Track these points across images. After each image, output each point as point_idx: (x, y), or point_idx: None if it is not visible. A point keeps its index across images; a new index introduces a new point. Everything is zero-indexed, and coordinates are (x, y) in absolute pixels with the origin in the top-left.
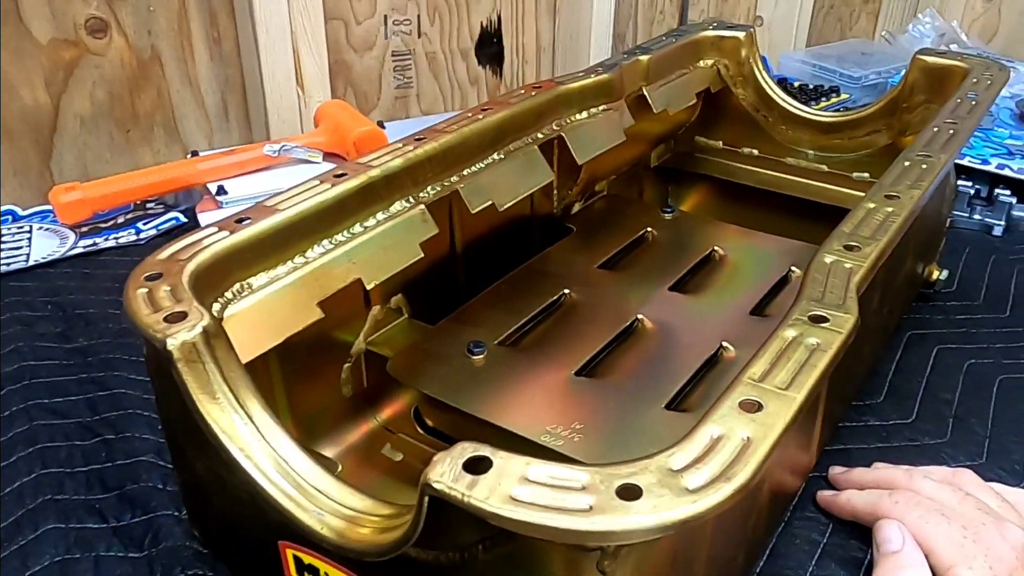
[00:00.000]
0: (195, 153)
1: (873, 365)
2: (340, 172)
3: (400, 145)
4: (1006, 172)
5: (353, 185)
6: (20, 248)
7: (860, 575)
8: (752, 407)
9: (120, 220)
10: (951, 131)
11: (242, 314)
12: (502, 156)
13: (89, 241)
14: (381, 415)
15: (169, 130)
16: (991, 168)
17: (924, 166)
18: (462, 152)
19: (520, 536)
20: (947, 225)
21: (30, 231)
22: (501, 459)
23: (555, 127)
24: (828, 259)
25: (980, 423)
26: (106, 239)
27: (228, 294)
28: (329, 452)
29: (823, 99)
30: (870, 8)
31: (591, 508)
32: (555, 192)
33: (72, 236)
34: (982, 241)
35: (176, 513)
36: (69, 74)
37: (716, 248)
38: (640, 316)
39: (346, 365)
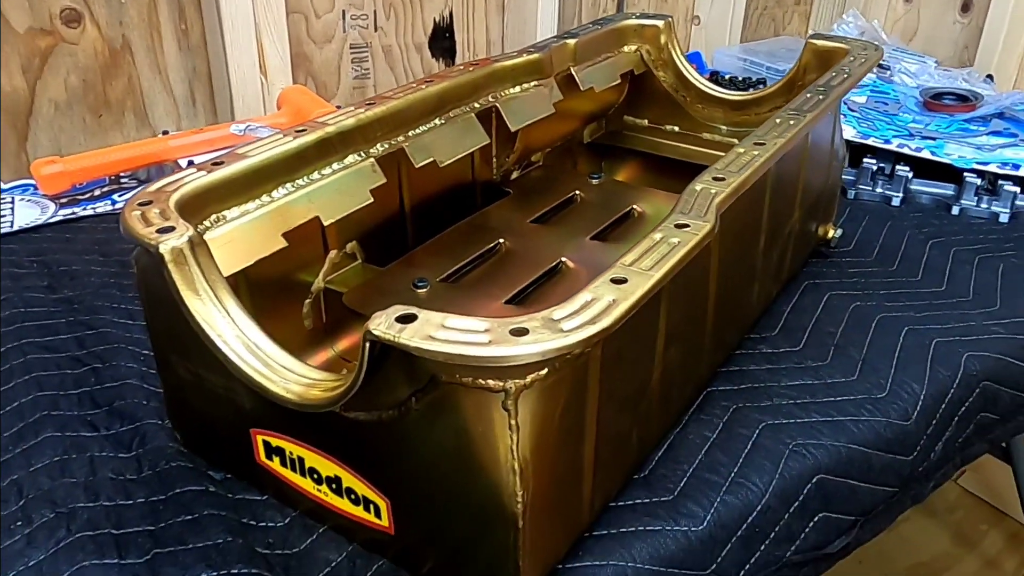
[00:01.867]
0: (166, 132)
1: (768, 305)
2: (300, 128)
3: (353, 108)
4: (905, 150)
5: (311, 139)
6: (4, 216)
7: (741, 459)
8: (620, 281)
9: (96, 193)
10: (820, 96)
11: (219, 238)
12: (443, 121)
13: (68, 211)
14: (338, 346)
15: (139, 115)
16: (893, 147)
17: (791, 121)
18: (407, 116)
19: (443, 384)
20: (839, 190)
21: (12, 202)
22: (424, 314)
23: (491, 99)
24: (698, 186)
25: (856, 350)
26: (84, 209)
27: (207, 222)
28: None
29: (751, 89)
30: (802, 9)
31: (490, 342)
32: (494, 159)
33: (52, 206)
34: (881, 210)
35: (160, 422)
36: (44, 61)
37: (635, 207)
38: (564, 259)
39: (307, 301)
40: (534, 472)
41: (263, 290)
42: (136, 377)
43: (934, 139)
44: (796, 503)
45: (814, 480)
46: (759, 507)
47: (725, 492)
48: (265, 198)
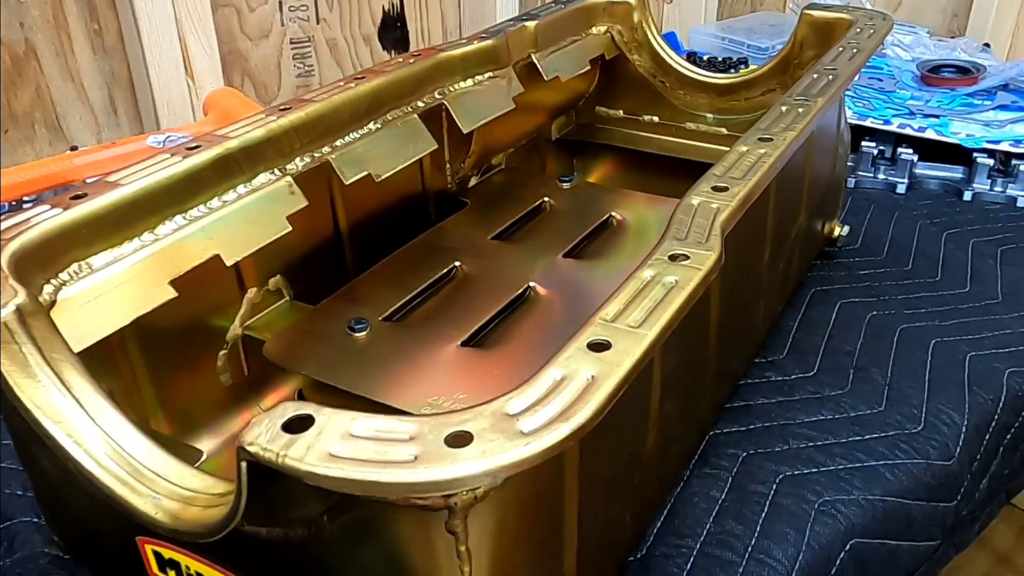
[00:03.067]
0: (74, 148)
1: (775, 322)
2: (193, 144)
3: (262, 116)
4: (907, 131)
5: (207, 157)
6: None
7: (758, 528)
8: (600, 347)
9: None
10: (830, 76)
11: (81, 296)
12: (379, 126)
13: None
14: (264, 402)
15: (52, 128)
16: (893, 128)
17: (800, 110)
18: (333, 122)
19: (362, 502)
20: (845, 183)
21: None
22: (324, 416)
23: (437, 95)
24: (695, 200)
25: (880, 372)
26: None
27: (64, 275)
28: (208, 444)
29: (732, 71)
30: None
31: (416, 458)
32: (447, 165)
33: None
34: (886, 199)
35: (36, 519)
36: None
37: (614, 214)
38: (532, 284)
39: (222, 352)
40: None
41: (162, 341)
42: (12, 458)
43: (937, 117)
44: None
45: (848, 547)
46: None
47: (742, 574)
48: (147, 236)
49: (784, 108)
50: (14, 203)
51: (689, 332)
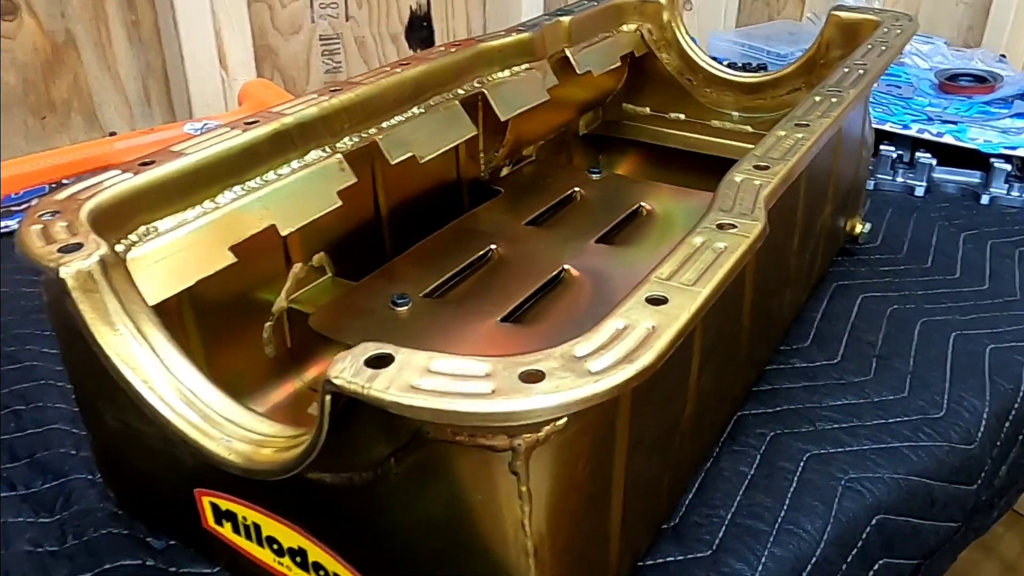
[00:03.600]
0: (113, 133)
1: (799, 312)
2: (251, 120)
3: (314, 96)
4: (926, 136)
5: (264, 132)
6: None
7: (787, 500)
8: (658, 301)
9: (34, 203)
10: (860, 71)
11: (148, 256)
12: (422, 110)
13: (1, 224)
14: (306, 375)
15: (88, 116)
16: (912, 132)
17: (834, 99)
18: (380, 104)
19: (430, 442)
20: (866, 182)
21: None
22: (404, 354)
23: (476, 84)
24: (738, 177)
25: (902, 361)
26: (18, 222)
27: (132, 236)
28: None
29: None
30: None
31: (493, 391)
32: (481, 155)
33: None
34: (905, 201)
35: (90, 477)
36: None
37: (643, 204)
38: (566, 267)
39: (267, 324)
40: (552, 551)
41: (213, 313)
42: (65, 420)
43: (955, 123)
44: (855, 550)
45: (873, 522)
46: (814, 559)
47: (773, 543)
48: (208, 204)
49: (818, 98)
50: (55, 184)
51: (725, 309)
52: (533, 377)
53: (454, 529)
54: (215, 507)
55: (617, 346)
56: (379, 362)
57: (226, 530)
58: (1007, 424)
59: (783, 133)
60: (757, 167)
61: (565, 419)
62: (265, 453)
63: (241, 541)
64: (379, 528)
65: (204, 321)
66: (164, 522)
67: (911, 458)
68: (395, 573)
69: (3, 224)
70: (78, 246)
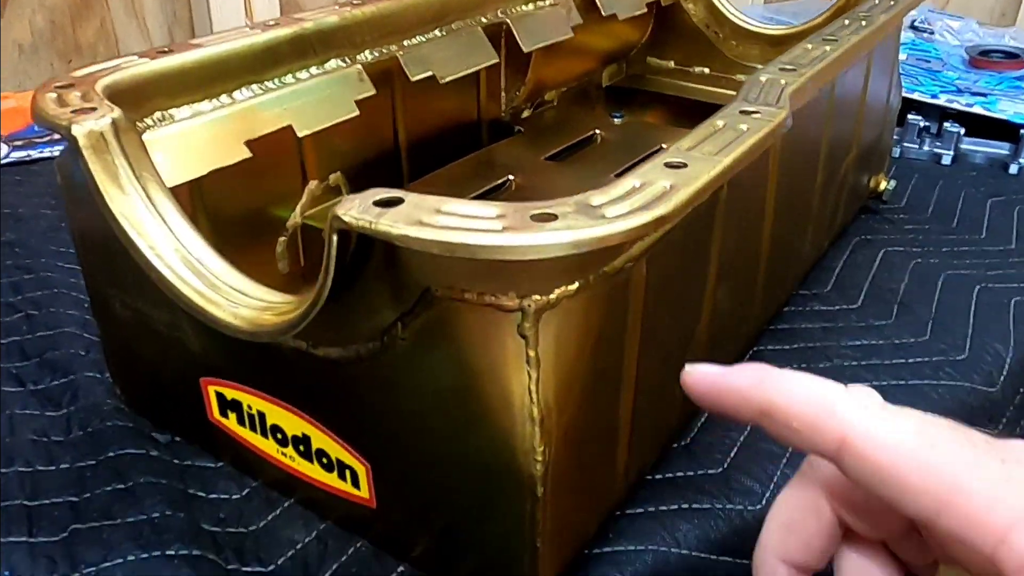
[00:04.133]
0: None
1: (819, 259)
2: (272, 22)
3: (336, 6)
4: (955, 106)
5: (284, 33)
6: None
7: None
8: (678, 166)
9: (56, 136)
10: (891, 2)
11: (163, 140)
12: (444, 33)
13: (23, 153)
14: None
15: None
16: (941, 102)
17: (863, 22)
18: (401, 22)
19: (437, 301)
20: (891, 146)
21: None
22: (414, 197)
23: (500, 14)
24: (763, 77)
25: (924, 308)
26: (40, 152)
27: (148, 120)
28: None
29: None
30: None
31: (504, 229)
32: (503, 93)
33: (5, 148)
34: (932, 169)
35: (99, 375)
36: (7, 0)
37: (664, 146)
38: None
39: (282, 239)
40: (559, 422)
41: (228, 225)
42: (76, 325)
43: (985, 95)
44: None
45: None
46: None
47: (786, 464)
48: (225, 99)
49: (847, 21)
50: None
51: (745, 220)
52: (546, 218)
53: (460, 397)
54: (220, 397)
55: (633, 198)
56: (389, 203)
57: (231, 422)
58: None
59: (810, 46)
60: (783, 69)
61: (577, 283)
62: (268, 316)
63: (245, 433)
64: (385, 402)
65: (219, 233)
66: (170, 418)
67: (931, 396)
68: (399, 453)
69: (26, 153)
70: (92, 110)
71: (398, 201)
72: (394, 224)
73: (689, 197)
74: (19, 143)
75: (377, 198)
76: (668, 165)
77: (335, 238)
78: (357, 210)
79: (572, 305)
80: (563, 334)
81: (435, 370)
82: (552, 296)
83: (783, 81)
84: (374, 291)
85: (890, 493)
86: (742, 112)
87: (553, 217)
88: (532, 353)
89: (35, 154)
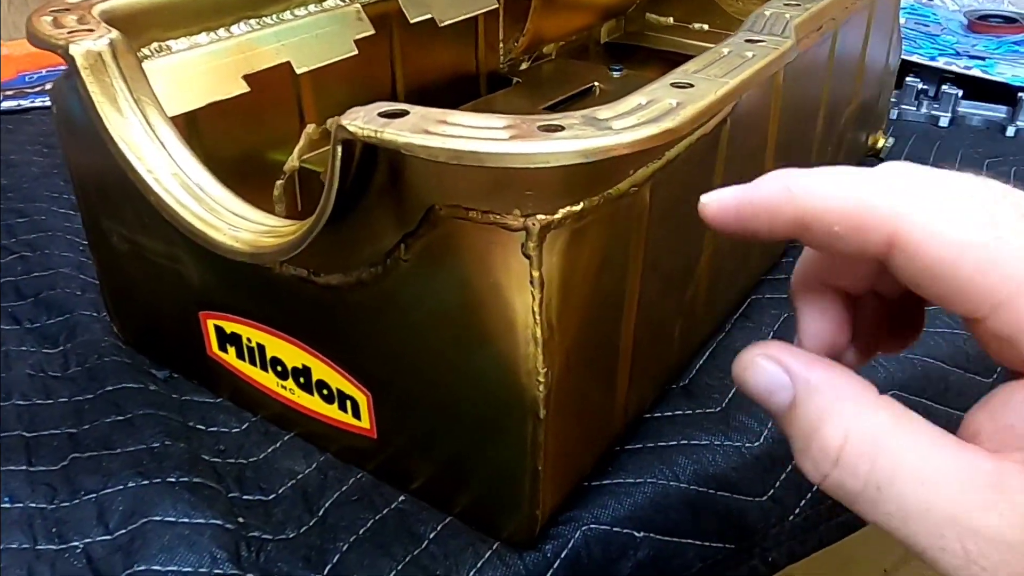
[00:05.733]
0: None
1: None
2: None
3: None
4: (953, 68)
5: None
6: None
7: None
8: (684, 86)
9: (48, 86)
10: None
11: (160, 70)
12: None
13: (14, 103)
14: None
15: None
16: (939, 64)
17: None
18: None
19: (441, 219)
20: (888, 107)
21: None
22: (420, 109)
23: None
24: (768, 12)
25: None
26: (32, 101)
27: (145, 51)
28: None
29: None
30: None
31: (511, 138)
32: (501, 44)
33: None
34: (929, 131)
35: (96, 314)
36: None
37: None
38: None
39: (279, 183)
40: (561, 343)
41: (225, 167)
42: (71, 266)
43: (983, 59)
44: None
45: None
46: None
47: None
48: (222, 32)
49: None
50: None
51: (748, 158)
52: (553, 128)
53: (464, 319)
54: (220, 331)
55: (640, 112)
56: (394, 114)
57: (230, 356)
58: None
59: None
60: (788, 4)
61: (582, 204)
62: (269, 239)
63: (245, 367)
64: (387, 328)
65: (217, 174)
66: (168, 354)
67: (927, 342)
68: (400, 381)
69: (18, 103)
70: (89, 31)
71: (404, 113)
72: (400, 132)
73: (696, 113)
74: (10, 92)
75: (383, 110)
76: (674, 85)
77: (339, 149)
78: (362, 120)
79: (577, 226)
80: (567, 256)
81: (438, 292)
82: (557, 216)
83: (788, 15)
84: (377, 211)
85: (942, 291)
86: (748, 41)
87: (560, 128)
88: (536, 273)
89: (26, 103)
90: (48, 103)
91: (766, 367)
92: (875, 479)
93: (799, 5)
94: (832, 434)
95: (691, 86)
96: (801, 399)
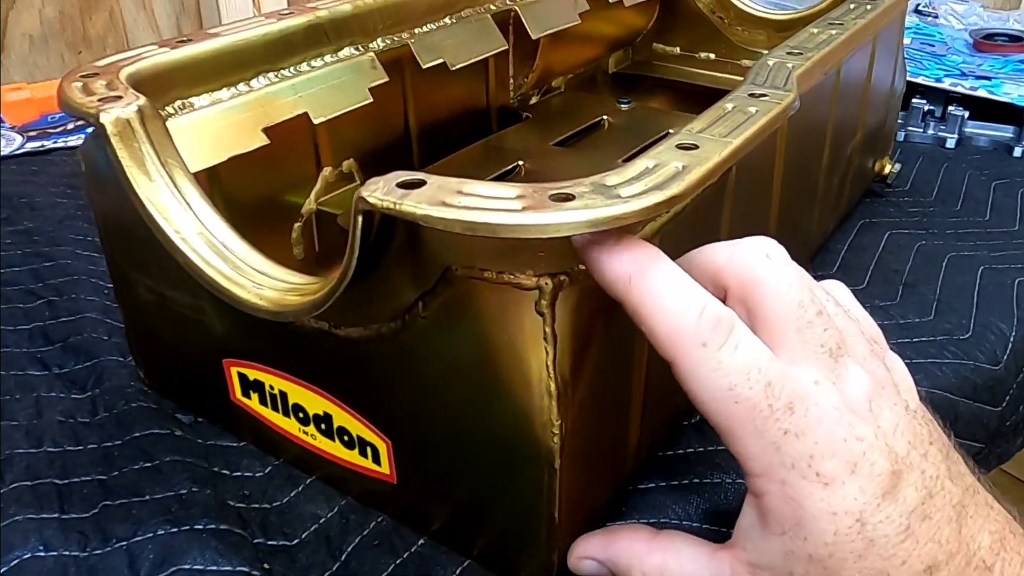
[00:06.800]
0: None
1: (824, 242)
2: (286, 11)
3: None
4: (959, 90)
5: (299, 22)
6: None
7: None
8: (689, 147)
9: (70, 126)
10: None
11: (184, 128)
12: (454, 21)
13: (37, 143)
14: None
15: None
16: (945, 86)
17: (868, 6)
18: (412, 10)
19: (458, 280)
20: (895, 130)
21: None
22: (436, 179)
23: (508, 1)
24: (771, 61)
25: (928, 288)
26: (55, 142)
27: (169, 109)
28: None
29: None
30: None
31: (523, 208)
32: (511, 80)
33: (19, 139)
34: (936, 152)
35: (122, 359)
36: None
37: (671, 131)
38: None
39: (296, 225)
40: (575, 396)
41: (244, 211)
42: (97, 311)
43: (989, 79)
44: None
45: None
46: None
47: None
48: (242, 87)
49: (852, 5)
50: None
51: (753, 196)
52: (563, 198)
53: (480, 374)
54: (243, 377)
55: (647, 179)
56: (412, 184)
57: (253, 402)
58: None
59: (816, 30)
60: (790, 53)
61: None
62: (293, 298)
63: (267, 412)
64: (405, 380)
65: (235, 219)
66: (192, 399)
67: (936, 373)
68: (419, 430)
69: (41, 143)
70: (118, 98)
71: (421, 183)
72: (418, 205)
73: (701, 177)
74: (33, 133)
75: (400, 180)
76: (680, 147)
77: (360, 219)
78: (382, 191)
79: (588, 283)
80: (579, 312)
81: (455, 347)
82: (569, 275)
83: (790, 65)
84: (396, 271)
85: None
86: (751, 95)
87: (571, 197)
88: (549, 330)
89: (49, 144)
90: (70, 143)
91: (586, 564)
92: None
93: (801, 54)
94: None
95: (696, 147)
96: (611, 567)
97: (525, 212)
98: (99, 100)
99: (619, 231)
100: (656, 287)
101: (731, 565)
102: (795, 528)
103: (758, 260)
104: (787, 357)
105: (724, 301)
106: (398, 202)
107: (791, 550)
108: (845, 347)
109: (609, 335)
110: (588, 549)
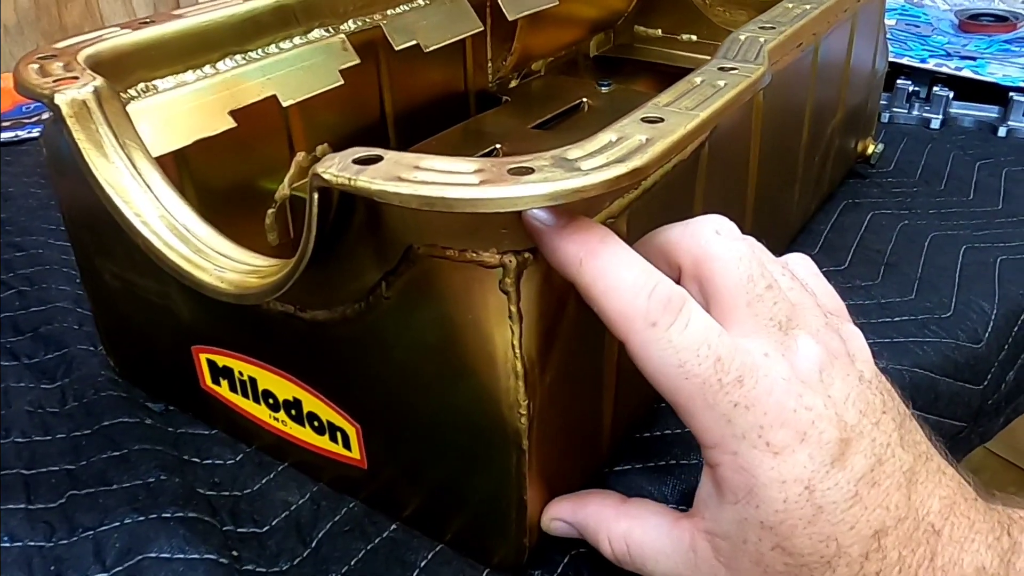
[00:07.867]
0: None
1: (806, 222)
2: None
3: None
4: (944, 70)
5: (267, 3)
6: None
7: None
8: (654, 120)
9: (44, 116)
10: None
11: (147, 110)
12: (428, 2)
13: (11, 134)
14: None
15: None
16: (930, 67)
17: None
18: None
19: (420, 258)
20: (878, 111)
21: None
22: (392, 155)
23: None
24: (742, 36)
25: (910, 268)
26: (29, 132)
27: (132, 91)
28: None
29: None
30: None
31: (481, 182)
32: (489, 64)
33: None
34: (920, 133)
35: (92, 348)
36: None
37: None
38: None
39: (270, 211)
40: (543, 376)
41: (216, 197)
42: (68, 300)
43: (974, 59)
44: None
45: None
46: None
47: None
48: (208, 69)
49: None
50: None
51: (728, 177)
52: (523, 171)
53: (445, 354)
54: (212, 364)
55: (609, 151)
56: (368, 160)
57: (223, 389)
58: (1016, 327)
59: (790, 5)
60: (763, 27)
61: None
62: (254, 280)
63: (237, 399)
64: (372, 362)
65: (208, 205)
66: (163, 387)
67: (916, 352)
68: (388, 413)
69: (15, 134)
70: (74, 79)
71: (377, 159)
72: (373, 180)
73: (665, 150)
74: (7, 124)
75: (357, 156)
76: (645, 120)
77: (316, 196)
78: (337, 167)
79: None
80: (545, 290)
81: (420, 328)
82: (533, 252)
83: (762, 39)
84: (358, 251)
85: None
86: (720, 68)
87: (530, 170)
88: (514, 308)
89: (23, 134)
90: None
91: (556, 526)
92: (639, 562)
93: (773, 28)
94: (602, 544)
95: (661, 120)
96: (580, 529)
97: (483, 186)
98: (54, 81)
99: (569, 213)
100: (606, 268)
101: (691, 533)
102: (747, 496)
103: (708, 237)
104: (738, 331)
105: (679, 280)
106: (353, 178)
107: (744, 518)
108: (797, 319)
109: (578, 314)
110: (559, 511)
